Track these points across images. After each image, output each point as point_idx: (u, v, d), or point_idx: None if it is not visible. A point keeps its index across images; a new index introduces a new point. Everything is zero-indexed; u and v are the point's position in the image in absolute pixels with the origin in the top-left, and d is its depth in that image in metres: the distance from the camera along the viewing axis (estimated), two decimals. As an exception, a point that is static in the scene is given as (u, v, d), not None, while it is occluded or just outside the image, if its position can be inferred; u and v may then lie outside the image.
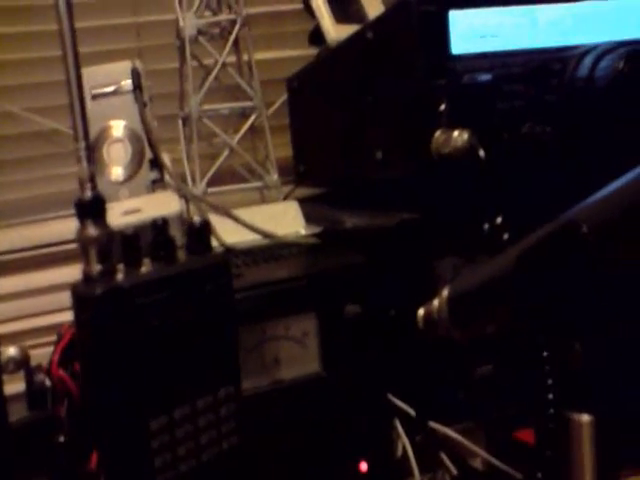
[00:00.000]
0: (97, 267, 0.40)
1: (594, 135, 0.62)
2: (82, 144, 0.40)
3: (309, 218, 0.76)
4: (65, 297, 0.93)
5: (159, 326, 0.40)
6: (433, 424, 0.60)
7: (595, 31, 0.68)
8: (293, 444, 0.55)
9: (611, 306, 0.36)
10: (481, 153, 0.55)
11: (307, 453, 0.56)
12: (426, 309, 0.50)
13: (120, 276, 0.40)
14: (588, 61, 0.62)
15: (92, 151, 0.41)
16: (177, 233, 0.50)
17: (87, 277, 0.40)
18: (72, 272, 0.95)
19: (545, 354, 0.44)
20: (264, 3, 1.04)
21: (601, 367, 0.38)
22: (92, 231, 0.39)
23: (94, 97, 0.77)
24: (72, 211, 0.96)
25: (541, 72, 0.63)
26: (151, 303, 0.39)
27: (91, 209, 0.40)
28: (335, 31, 0.81)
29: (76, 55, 0.40)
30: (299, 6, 0.92)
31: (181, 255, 0.43)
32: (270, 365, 0.55)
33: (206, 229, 0.44)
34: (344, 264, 0.59)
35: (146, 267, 0.41)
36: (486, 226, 0.53)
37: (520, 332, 0.43)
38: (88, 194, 0.40)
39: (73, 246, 0.92)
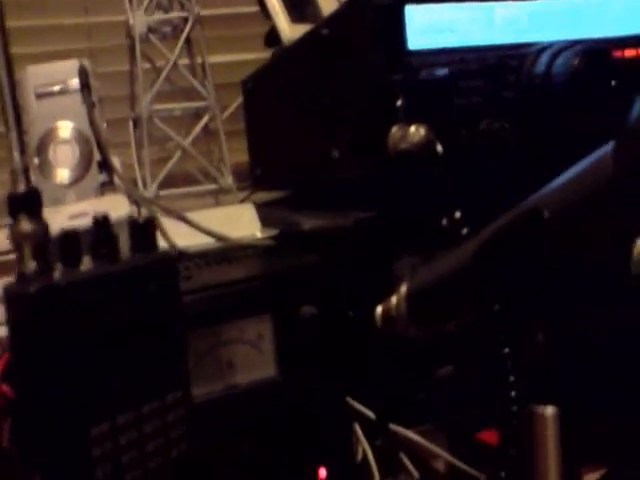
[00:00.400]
0: (32, 265, 0.37)
1: (551, 131, 0.62)
2: (14, 133, 0.38)
3: (265, 221, 0.74)
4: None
5: (99, 327, 0.37)
6: (394, 426, 0.58)
7: (550, 30, 0.67)
8: (249, 451, 0.53)
9: (573, 294, 0.35)
10: (438, 148, 0.53)
11: (264, 460, 0.54)
12: (384, 307, 0.49)
13: (57, 274, 0.37)
14: (545, 58, 0.62)
15: (23, 139, 0.38)
16: (125, 238, 0.48)
17: (21, 276, 0.37)
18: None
19: (506, 350, 0.43)
20: (218, 5, 1.02)
21: (564, 359, 0.36)
22: (26, 226, 0.37)
23: (39, 96, 0.74)
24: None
25: (498, 68, 0.62)
26: (90, 302, 0.37)
27: (25, 203, 0.37)
28: (290, 31, 0.80)
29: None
30: (254, 9, 0.91)
31: (124, 254, 0.41)
32: (224, 370, 0.53)
33: (150, 226, 0.42)
34: (300, 264, 0.57)
35: (85, 266, 0.39)
36: (444, 221, 0.52)
37: (480, 327, 0.42)
38: (22, 187, 0.37)
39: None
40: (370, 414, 0.59)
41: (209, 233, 0.67)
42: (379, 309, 0.49)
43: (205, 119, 0.76)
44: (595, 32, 0.68)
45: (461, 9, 0.62)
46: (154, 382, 0.40)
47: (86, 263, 0.39)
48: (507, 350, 0.43)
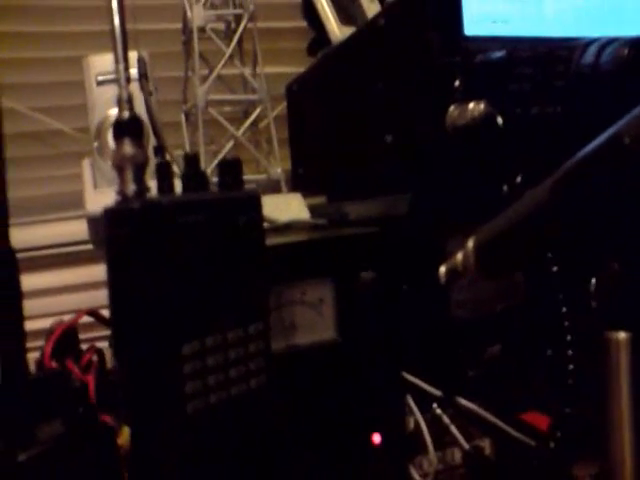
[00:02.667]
0: (132, 187, 0.39)
1: (599, 119, 0.64)
2: (121, 65, 0.40)
3: (313, 215, 0.76)
4: (55, 302, 0.91)
5: (195, 248, 0.39)
6: (457, 399, 0.59)
7: (596, 27, 0.70)
8: (306, 409, 0.53)
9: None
10: (499, 120, 0.56)
11: (320, 420, 0.54)
12: (449, 263, 0.50)
13: (157, 196, 0.39)
14: (593, 49, 0.65)
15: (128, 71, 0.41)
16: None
17: (123, 196, 0.39)
18: (63, 277, 0.93)
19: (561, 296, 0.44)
20: (262, 19, 1.06)
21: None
22: (129, 150, 0.39)
23: (99, 83, 0.77)
24: (70, 213, 0.94)
25: (548, 58, 0.65)
26: (188, 224, 0.38)
27: (129, 128, 0.39)
28: (341, 32, 0.83)
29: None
30: (293, 24, 0.94)
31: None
32: (286, 329, 0.54)
33: (238, 165, 0.44)
34: (359, 232, 0.59)
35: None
36: (505, 187, 0.54)
37: (551, 265, 0.43)
38: (126, 114, 0.39)
39: (68, 250, 0.91)
40: (425, 387, 0.59)
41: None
42: (443, 268, 0.51)
43: (257, 111, 0.79)
44: (636, 31, 0.71)
45: (514, 2, 0.65)
46: (238, 310, 0.41)
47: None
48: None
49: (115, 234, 0.38)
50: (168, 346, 0.38)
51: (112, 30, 0.41)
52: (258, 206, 0.43)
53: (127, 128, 0.39)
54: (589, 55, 0.65)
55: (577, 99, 0.64)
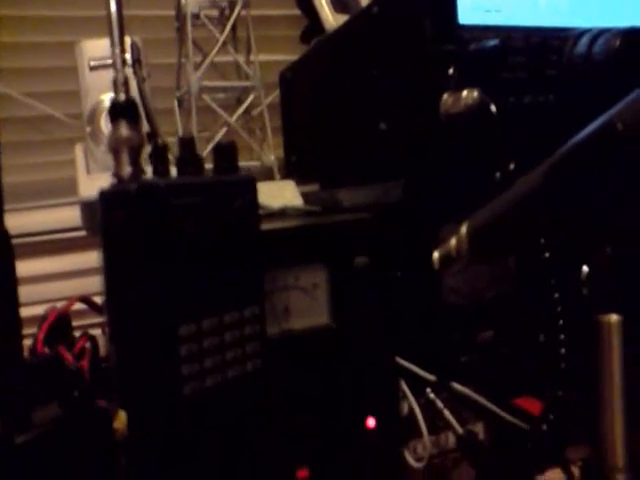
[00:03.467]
0: (128, 169, 0.39)
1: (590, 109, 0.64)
2: (117, 49, 0.40)
3: (307, 202, 0.76)
4: (48, 288, 0.90)
5: (191, 230, 0.39)
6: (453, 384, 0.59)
7: (589, 18, 0.71)
8: (300, 394, 0.54)
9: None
10: (492, 108, 0.56)
11: (314, 405, 0.54)
12: (442, 249, 0.50)
13: (152, 178, 0.39)
14: (585, 39, 0.65)
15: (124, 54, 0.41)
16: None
17: (118, 178, 0.39)
18: (54, 264, 0.92)
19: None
20: (255, 7, 1.06)
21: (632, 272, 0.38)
22: (125, 132, 0.39)
23: (92, 69, 0.76)
24: (63, 200, 0.93)
25: (542, 47, 0.65)
26: (184, 206, 0.38)
27: (125, 110, 0.39)
28: (335, 20, 0.83)
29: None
30: (286, 11, 0.94)
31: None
32: (280, 314, 0.54)
33: (233, 149, 0.44)
34: (353, 218, 0.59)
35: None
36: (498, 175, 0.54)
37: (543, 251, 0.44)
38: (122, 96, 0.39)
39: (62, 236, 0.91)
40: (418, 371, 0.60)
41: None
42: (436, 253, 0.51)
43: (250, 98, 0.79)
44: (630, 21, 0.71)
45: (507, -10, 0.66)
46: (234, 293, 0.42)
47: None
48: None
49: (111, 216, 0.38)
50: (164, 328, 0.38)
51: (108, 14, 0.41)
52: (253, 190, 0.44)
53: (123, 111, 0.39)
54: (581, 45, 0.65)
55: (569, 89, 0.65)
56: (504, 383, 0.64)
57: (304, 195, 0.77)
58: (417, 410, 0.58)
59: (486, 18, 0.65)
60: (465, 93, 0.59)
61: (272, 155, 0.80)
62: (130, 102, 0.39)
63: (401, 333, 0.61)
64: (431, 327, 0.63)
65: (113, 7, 0.40)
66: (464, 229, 0.48)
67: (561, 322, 0.48)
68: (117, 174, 0.39)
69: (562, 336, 0.48)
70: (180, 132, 0.80)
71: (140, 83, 0.77)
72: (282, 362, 0.53)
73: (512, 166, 0.53)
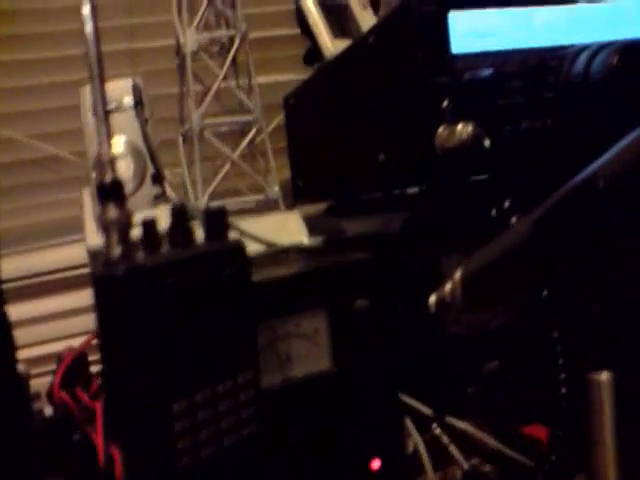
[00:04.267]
0: (117, 249, 0.40)
1: (590, 128, 0.64)
2: (102, 129, 0.41)
3: (311, 231, 0.77)
4: (65, 325, 0.92)
5: (181, 307, 0.40)
6: (450, 420, 0.59)
7: (588, 33, 0.70)
8: (304, 441, 0.54)
9: (630, 264, 0.36)
10: (486, 143, 0.56)
11: (318, 451, 0.55)
12: (438, 294, 0.50)
13: (141, 257, 0.40)
14: (583, 57, 0.64)
15: (108, 133, 0.41)
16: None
17: (108, 260, 0.40)
18: (73, 300, 0.94)
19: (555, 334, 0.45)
20: (257, 28, 1.06)
21: (622, 326, 0.38)
22: (113, 213, 0.40)
23: (95, 114, 0.77)
24: (74, 237, 0.95)
25: (538, 69, 0.64)
26: (173, 284, 0.39)
27: (112, 191, 0.40)
28: (333, 46, 0.83)
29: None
30: (289, 31, 0.94)
31: (199, 241, 0.43)
32: (281, 363, 0.55)
33: (223, 216, 0.44)
34: (352, 260, 0.59)
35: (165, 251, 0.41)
36: (494, 212, 0.54)
37: (533, 310, 0.43)
38: (109, 177, 0.40)
39: (74, 273, 0.93)
40: (422, 408, 0.60)
41: (258, 240, 0.69)
42: (432, 297, 0.51)
43: (252, 132, 0.79)
44: (631, 33, 0.70)
45: (501, 14, 0.65)
46: (227, 362, 0.42)
47: (164, 250, 0.42)
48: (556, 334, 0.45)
49: (101, 299, 0.39)
50: (158, 407, 0.39)
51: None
52: (242, 255, 0.44)
53: (110, 191, 0.40)
54: (579, 64, 0.64)
55: (568, 110, 0.64)
56: (512, 412, 0.63)
57: (309, 222, 0.78)
58: (422, 448, 0.58)
59: (480, 43, 0.65)
60: (460, 127, 0.58)
61: (276, 186, 0.80)
62: (116, 183, 0.40)
63: (405, 368, 0.61)
64: (435, 360, 0.63)
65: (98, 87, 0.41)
66: (458, 275, 0.48)
67: (561, 361, 0.48)
68: (107, 256, 0.40)
69: (562, 375, 0.48)
70: (185, 166, 0.81)
71: (143, 125, 0.79)
72: (284, 411, 0.54)
73: (507, 204, 0.53)
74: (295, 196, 0.88)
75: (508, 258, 0.42)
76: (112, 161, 0.41)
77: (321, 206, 0.88)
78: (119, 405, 0.39)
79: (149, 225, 0.41)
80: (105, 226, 0.39)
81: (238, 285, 0.43)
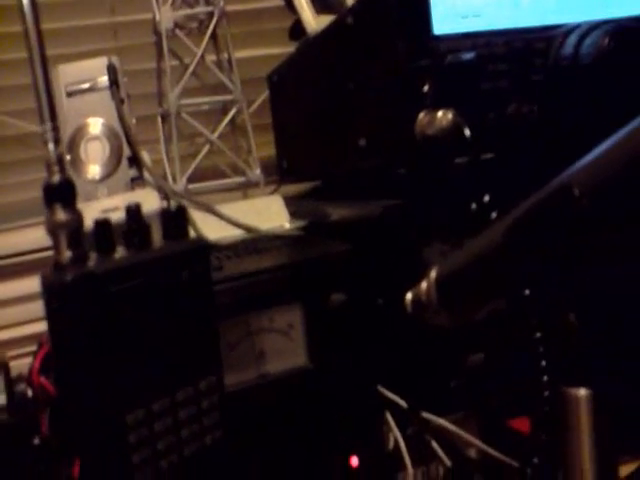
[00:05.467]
0: (67, 254, 0.38)
1: (579, 112, 0.61)
2: (48, 125, 0.39)
3: (293, 214, 0.75)
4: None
5: (134, 314, 0.38)
6: (426, 415, 0.58)
7: (578, 12, 0.66)
8: (281, 439, 0.53)
9: (605, 273, 0.34)
10: (466, 132, 0.53)
11: (296, 448, 0.54)
12: (414, 292, 0.48)
13: (92, 263, 0.38)
14: (573, 39, 0.61)
15: (57, 131, 0.39)
16: (156, 231, 0.48)
17: (57, 264, 0.38)
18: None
19: (538, 335, 0.43)
20: (242, 0, 1.03)
21: (599, 340, 0.36)
22: (61, 216, 0.38)
23: (69, 94, 0.75)
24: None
25: (525, 51, 0.61)
26: (125, 290, 0.37)
27: (60, 193, 0.38)
28: (316, 22, 0.80)
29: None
30: (277, 3, 0.91)
31: (156, 242, 0.41)
32: (256, 359, 0.53)
33: (182, 215, 0.42)
34: (328, 252, 0.57)
35: (119, 254, 0.39)
36: (473, 206, 0.51)
37: (509, 312, 0.42)
38: (56, 177, 0.38)
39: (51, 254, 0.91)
40: (401, 402, 0.59)
41: (238, 225, 0.67)
42: (409, 295, 0.49)
43: (232, 112, 0.77)
44: (622, 12, 0.67)
45: (486, -7, 0.62)
46: (187, 369, 0.41)
47: (120, 252, 0.40)
48: (538, 335, 0.43)
49: (51, 306, 0.37)
50: (111, 418, 0.37)
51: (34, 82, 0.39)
52: (202, 256, 0.42)
53: (58, 193, 0.37)
54: (568, 46, 0.61)
55: (556, 95, 0.61)
56: (497, 405, 0.62)
57: (291, 205, 0.75)
58: (401, 443, 0.57)
59: (464, 24, 0.62)
60: (440, 114, 0.56)
61: (258, 169, 0.78)
62: (65, 183, 0.38)
63: (386, 362, 0.60)
64: (418, 353, 0.61)
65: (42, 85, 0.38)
66: (433, 274, 0.46)
67: (543, 363, 0.46)
68: (56, 259, 0.38)
69: (545, 377, 0.46)
70: (163, 147, 0.78)
71: (119, 106, 0.76)
72: (260, 408, 0.53)
73: (487, 198, 0.50)
74: (280, 176, 0.86)
75: (482, 262, 0.40)
76: (61, 159, 0.38)
77: (306, 186, 0.86)
78: (72, 416, 0.38)
79: (103, 226, 0.39)
80: (52, 230, 0.37)
81: (197, 288, 0.41)
